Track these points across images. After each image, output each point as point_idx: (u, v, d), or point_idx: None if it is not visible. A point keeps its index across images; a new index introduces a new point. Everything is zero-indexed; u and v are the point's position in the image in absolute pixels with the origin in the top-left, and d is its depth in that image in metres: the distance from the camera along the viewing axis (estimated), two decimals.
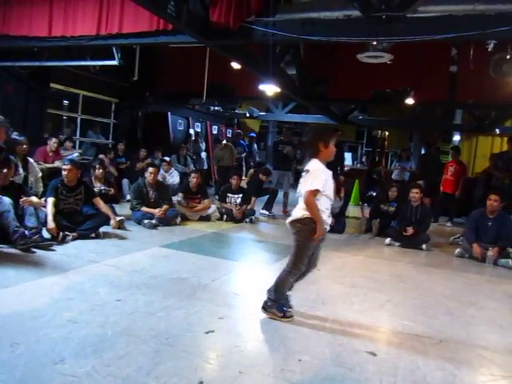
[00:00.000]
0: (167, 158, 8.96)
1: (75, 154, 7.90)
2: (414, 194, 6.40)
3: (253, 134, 14.68)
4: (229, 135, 14.44)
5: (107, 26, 6.03)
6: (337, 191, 7.08)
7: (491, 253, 5.52)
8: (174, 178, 8.74)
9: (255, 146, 14.44)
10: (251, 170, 9.56)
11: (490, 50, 5.16)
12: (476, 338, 3.10)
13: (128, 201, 7.43)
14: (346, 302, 3.66)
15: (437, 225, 8.65)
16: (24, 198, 4.49)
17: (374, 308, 3.58)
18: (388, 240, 6.36)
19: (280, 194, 8.69)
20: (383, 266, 5.14)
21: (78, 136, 9.86)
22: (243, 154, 12.84)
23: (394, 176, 10.65)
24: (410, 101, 8.81)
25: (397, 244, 6.28)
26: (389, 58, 6.15)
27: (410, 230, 6.17)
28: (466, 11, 4.64)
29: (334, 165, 8.78)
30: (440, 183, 8.96)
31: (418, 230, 6.19)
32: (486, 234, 5.76)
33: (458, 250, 5.96)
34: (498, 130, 10.58)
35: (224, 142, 11.31)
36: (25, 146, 6.17)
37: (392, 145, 16.32)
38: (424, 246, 6.17)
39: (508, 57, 5.80)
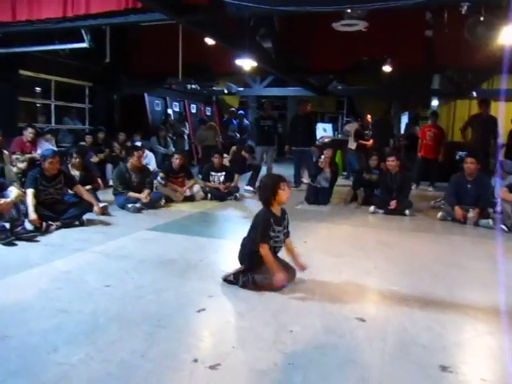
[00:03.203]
0: (139, 143, 8.70)
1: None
2: (390, 162, 6.47)
3: (242, 112, 14.46)
4: (208, 113, 14.22)
5: (73, 7, 5.83)
6: (327, 164, 7.14)
7: (472, 214, 5.65)
8: (149, 161, 8.42)
9: (246, 121, 14.17)
10: (233, 148, 9.48)
11: (464, 12, 5.16)
12: (460, 298, 3.20)
13: (110, 186, 7.33)
14: (333, 271, 3.72)
15: (418, 190, 8.78)
16: (2, 201, 4.24)
17: (362, 275, 3.65)
18: (372, 208, 6.45)
19: (263, 170, 8.68)
20: (369, 234, 5.22)
21: (53, 123, 9.63)
22: (236, 133, 12.71)
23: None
24: (387, 68, 8.80)
25: (381, 211, 6.37)
26: (364, 26, 6.11)
27: (393, 204, 6.25)
28: None
29: (306, 136, 8.81)
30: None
31: (400, 202, 6.28)
32: (466, 196, 5.87)
33: (440, 214, 6.08)
34: (475, 94, 10.63)
35: (210, 123, 11.17)
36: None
37: (373, 114, 16.28)
38: (407, 212, 6.28)
39: (482, 19, 5.79)
